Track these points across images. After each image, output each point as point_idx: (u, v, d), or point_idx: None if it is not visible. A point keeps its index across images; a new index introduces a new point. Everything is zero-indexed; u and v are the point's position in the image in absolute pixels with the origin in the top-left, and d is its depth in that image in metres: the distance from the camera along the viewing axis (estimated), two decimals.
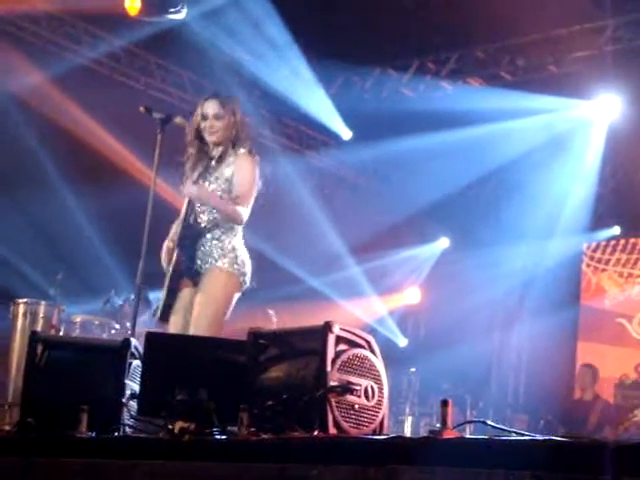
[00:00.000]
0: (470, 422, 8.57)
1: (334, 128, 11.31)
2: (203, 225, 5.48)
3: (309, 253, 11.16)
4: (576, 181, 11.31)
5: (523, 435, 3.51)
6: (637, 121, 10.38)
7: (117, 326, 8.60)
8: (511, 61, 10.44)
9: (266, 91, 10.73)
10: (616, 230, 12.35)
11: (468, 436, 4.57)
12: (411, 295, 13.33)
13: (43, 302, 8.18)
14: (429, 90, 10.81)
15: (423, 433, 10.19)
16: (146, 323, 8.44)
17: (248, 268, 5.49)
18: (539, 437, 3.26)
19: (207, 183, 5.49)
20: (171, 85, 11.07)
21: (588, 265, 12.60)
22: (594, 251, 12.59)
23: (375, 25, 9.47)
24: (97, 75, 10.29)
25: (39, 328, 7.80)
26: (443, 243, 13.37)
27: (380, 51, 10.23)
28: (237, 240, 5.49)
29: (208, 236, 5.46)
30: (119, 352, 4.74)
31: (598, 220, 12.08)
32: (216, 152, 5.57)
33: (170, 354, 4.57)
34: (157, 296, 9.17)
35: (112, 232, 9.52)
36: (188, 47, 9.73)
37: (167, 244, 5.60)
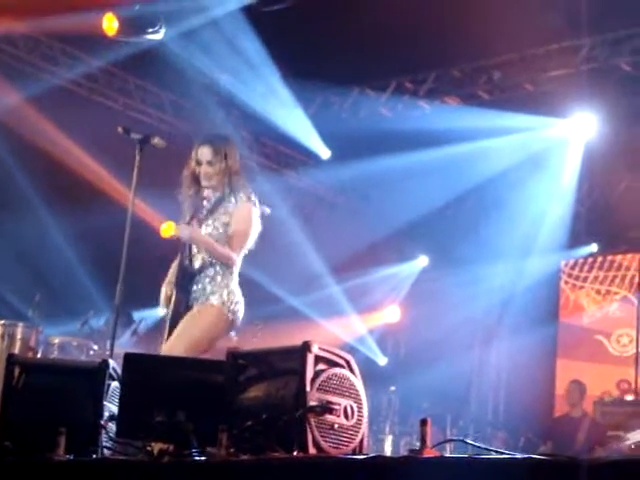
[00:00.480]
0: (450, 441, 8.55)
1: (313, 147, 11.34)
2: (199, 265, 5.53)
3: (288, 272, 11.15)
4: (553, 199, 11.38)
5: (502, 453, 3.51)
6: (613, 139, 10.47)
7: (95, 347, 8.55)
8: (488, 80, 10.52)
9: (245, 111, 10.75)
10: (594, 247, 12.42)
11: (448, 455, 4.58)
12: (391, 313, 13.33)
13: (21, 324, 8.11)
14: (407, 110, 10.88)
15: (403, 452, 10.18)
16: (124, 344, 8.42)
17: (240, 307, 5.54)
18: (518, 455, 3.27)
19: (204, 226, 5.54)
20: (150, 105, 11.08)
21: (566, 282, 12.65)
22: (572, 268, 12.65)
23: (353, 45, 9.51)
24: (75, 96, 10.28)
25: (16, 350, 7.72)
26: (422, 261, 13.39)
27: (358, 71, 10.28)
28: (231, 280, 5.54)
29: (202, 275, 5.51)
30: (97, 374, 4.71)
31: (576, 238, 12.15)
32: (213, 196, 5.62)
33: (148, 375, 4.55)
34: (141, 316, 9.22)
35: (90, 253, 9.48)
36: (167, 67, 9.75)
37: (165, 289, 5.65)
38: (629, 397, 11.37)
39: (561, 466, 2.99)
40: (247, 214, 5.54)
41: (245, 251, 5.58)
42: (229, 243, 5.49)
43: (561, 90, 10.12)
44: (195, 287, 5.49)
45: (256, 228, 5.59)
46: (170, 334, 5.46)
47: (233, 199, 5.55)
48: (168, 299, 5.57)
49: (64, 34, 9.43)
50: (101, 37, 9.16)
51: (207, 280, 5.48)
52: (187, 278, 5.51)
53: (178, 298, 5.48)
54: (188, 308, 5.49)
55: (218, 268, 5.50)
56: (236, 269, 5.57)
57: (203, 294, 5.47)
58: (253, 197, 5.60)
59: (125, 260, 5.57)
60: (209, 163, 5.57)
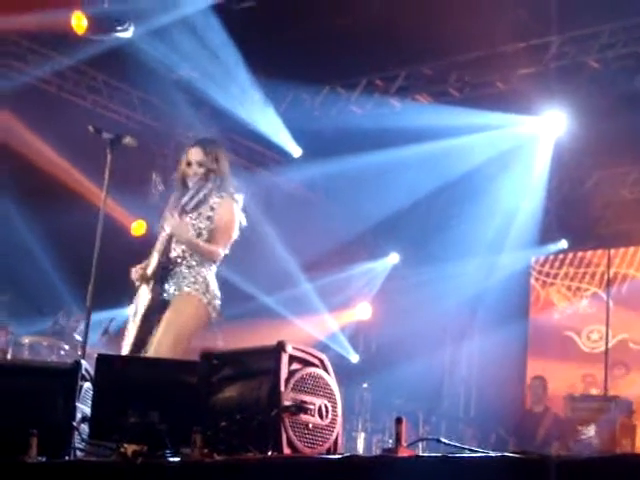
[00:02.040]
0: (424, 439, 8.56)
1: (284, 145, 11.32)
2: (179, 255, 5.52)
3: (260, 271, 11.13)
4: (524, 196, 11.43)
5: (476, 452, 3.53)
6: (582, 136, 10.53)
7: (66, 347, 8.51)
8: (458, 78, 10.54)
9: (215, 108, 10.71)
10: (563, 244, 12.50)
11: (422, 454, 4.59)
12: (362, 311, 13.34)
13: None
14: (378, 107, 10.88)
15: (375, 449, 10.22)
16: (95, 344, 8.38)
17: (217, 302, 5.54)
18: (492, 453, 3.29)
19: (189, 217, 5.53)
20: (119, 104, 11.01)
21: (537, 279, 12.72)
22: (542, 265, 12.72)
23: (323, 43, 9.51)
24: (44, 94, 10.19)
25: None
26: (393, 258, 13.41)
27: (329, 69, 10.27)
28: (209, 274, 5.57)
29: (182, 265, 5.52)
30: (69, 375, 4.68)
31: (546, 234, 12.20)
32: (200, 193, 5.61)
33: (121, 376, 4.52)
34: (111, 315, 9.16)
35: (62, 253, 9.41)
36: (136, 65, 9.69)
37: (138, 269, 5.60)
38: (594, 390, 11.51)
39: (531, 464, 3.02)
40: (230, 211, 5.58)
41: (227, 249, 5.57)
42: (213, 238, 5.52)
43: (531, 88, 10.17)
44: (173, 278, 5.48)
45: (237, 228, 5.61)
46: (144, 322, 5.44)
47: (218, 197, 5.58)
48: (142, 279, 5.53)
49: (33, 32, 9.34)
50: (70, 35, 9.11)
51: (186, 271, 5.49)
52: (166, 269, 5.49)
53: (155, 288, 5.46)
54: (164, 300, 5.47)
55: (198, 260, 5.50)
56: (215, 265, 5.58)
57: (182, 285, 5.46)
58: (238, 197, 5.63)
59: (97, 260, 5.53)
60: (199, 164, 5.60)
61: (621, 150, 10.92)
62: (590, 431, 9.16)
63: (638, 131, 10.07)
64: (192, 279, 5.47)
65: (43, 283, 9.46)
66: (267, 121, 10.79)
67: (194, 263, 5.50)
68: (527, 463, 3.05)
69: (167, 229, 5.52)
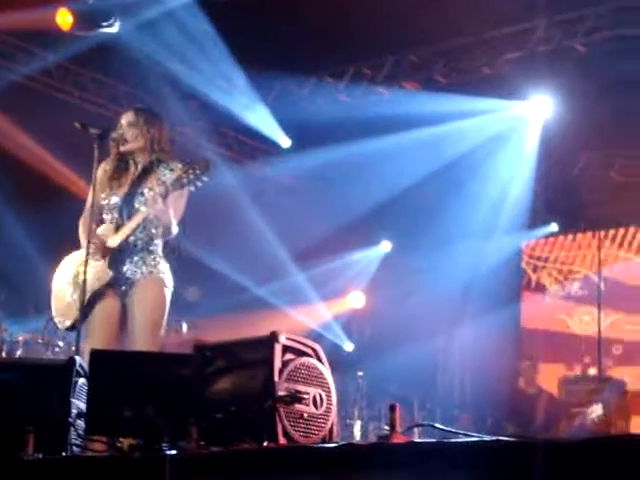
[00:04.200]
0: (418, 425, 8.59)
1: (273, 137, 11.32)
2: (143, 238, 5.52)
3: (252, 262, 11.15)
4: (513, 181, 11.46)
5: (470, 436, 3.55)
6: (569, 120, 10.57)
7: (61, 344, 8.50)
8: (445, 64, 10.57)
9: (203, 101, 10.71)
10: (554, 227, 12.53)
11: (417, 440, 4.62)
12: (355, 299, 13.36)
13: None
14: (365, 96, 10.90)
15: (372, 437, 10.25)
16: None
17: (172, 286, 5.56)
18: (485, 438, 3.32)
19: (138, 197, 5.49)
20: (106, 99, 11.00)
21: (528, 263, 12.76)
22: (533, 249, 12.76)
23: (309, 33, 9.51)
24: (31, 91, 10.17)
25: None
26: (385, 246, 13.43)
27: (315, 59, 10.28)
28: (161, 254, 5.57)
29: (145, 248, 5.51)
30: (64, 371, 4.69)
31: (536, 218, 12.24)
32: (140, 162, 5.60)
33: (115, 371, 4.54)
34: None
35: (53, 249, 9.38)
36: (122, 60, 9.68)
37: (99, 236, 5.51)
38: (592, 370, 11.54)
39: (517, 448, 3.03)
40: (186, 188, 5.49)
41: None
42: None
43: (517, 72, 10.20)
44: (135, 259, 5.47)
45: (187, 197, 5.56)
46: (96, 295, 5.40)
47: (167, 169, 5.53)
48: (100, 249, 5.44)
49: (18, 30, 9.31)
50: (56, 32, 9.10)
51: (147, 255, 5.47)
52: (128, 248, 5.47)
53: (114, 265, 5.42)
54: (123, 278, 5.45)
55: (158, 245, 5.51)
56: (161, 244, 5.57)
57: (144, 269, 5.46)
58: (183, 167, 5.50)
59: (87, 255, 5.53)
60: (129, 125, 5.59)
61: (608, 133, 10.96)
62: (598, 410, 9.14)
63: (625, 113, 10.11)
64: (153, 262, 5.47)
65: (36, 281, 9.44)
66: (255, 113, 10.81)
67: (155, 247, 5.51)
68: (514, 447, 3.06)
69: (142, 209, 5.42)
